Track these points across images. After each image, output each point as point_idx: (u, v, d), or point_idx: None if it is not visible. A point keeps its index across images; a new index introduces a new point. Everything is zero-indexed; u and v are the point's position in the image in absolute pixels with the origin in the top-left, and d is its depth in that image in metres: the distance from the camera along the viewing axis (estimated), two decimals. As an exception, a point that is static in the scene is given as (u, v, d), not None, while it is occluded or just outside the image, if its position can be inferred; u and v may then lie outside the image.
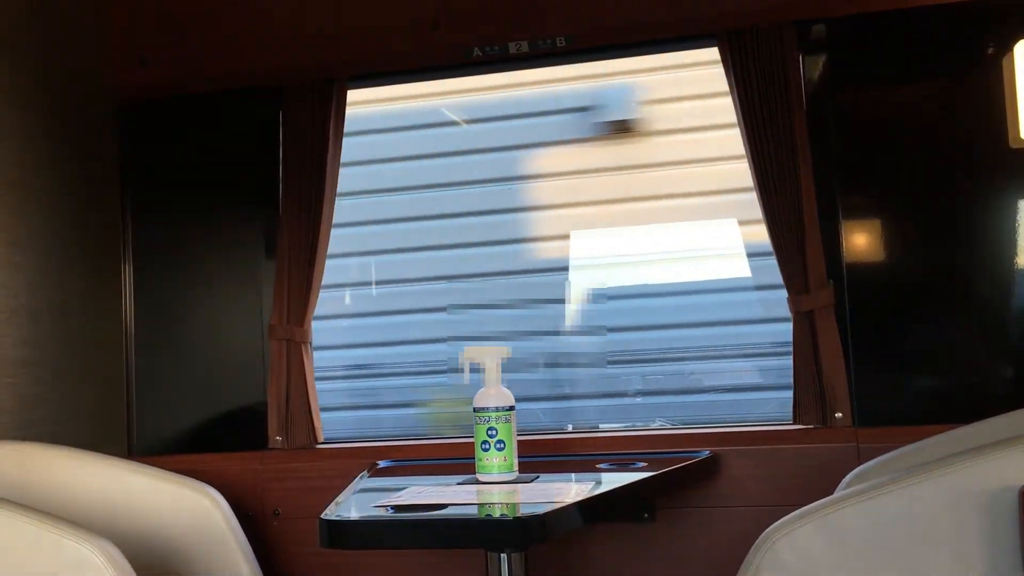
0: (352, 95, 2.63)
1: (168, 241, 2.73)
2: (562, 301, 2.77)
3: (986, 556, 1.45)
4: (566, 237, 2.77)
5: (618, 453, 2.36)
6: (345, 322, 2.88)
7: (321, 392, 2.62)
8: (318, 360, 2.66)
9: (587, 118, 2.78)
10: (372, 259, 2.90)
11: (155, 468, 2.22)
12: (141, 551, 2.05)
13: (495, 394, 2.00)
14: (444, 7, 2.55)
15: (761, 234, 2.40)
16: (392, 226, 2.88)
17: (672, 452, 2.31)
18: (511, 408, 1.99)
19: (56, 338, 2.45)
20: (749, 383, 2.58)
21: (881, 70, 2.38)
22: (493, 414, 1.97)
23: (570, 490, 1.85)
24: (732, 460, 2.32)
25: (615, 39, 2.49)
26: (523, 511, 1.76)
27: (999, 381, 2.28)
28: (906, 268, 2.35)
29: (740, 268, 2.65)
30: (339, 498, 1.97)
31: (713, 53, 2.43)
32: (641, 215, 2.74)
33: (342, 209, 2.65)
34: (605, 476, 2.15)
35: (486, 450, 1.97)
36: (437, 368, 2.80)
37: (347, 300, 2.89)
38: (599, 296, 2.76)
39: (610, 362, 2.70)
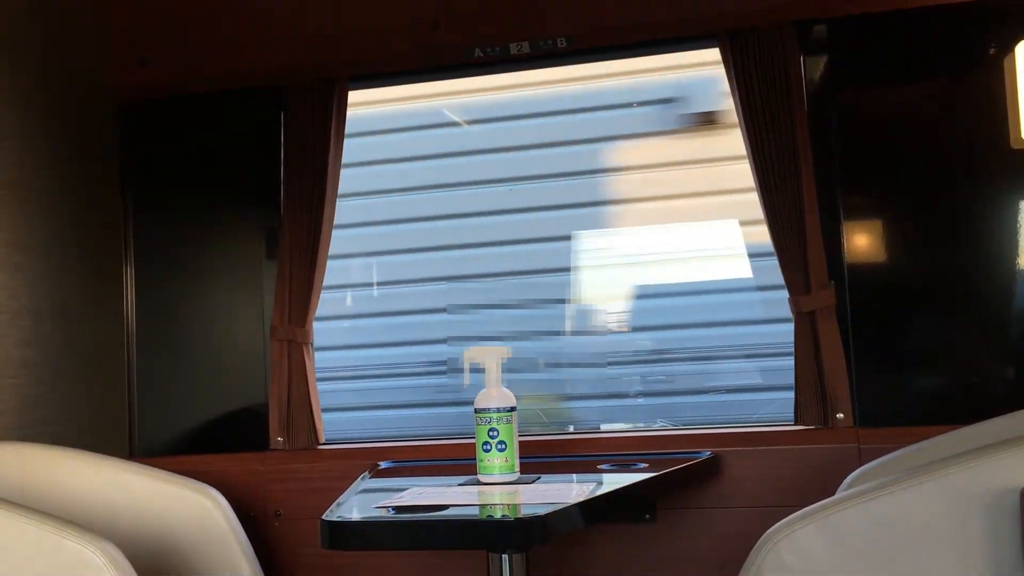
0: (353, 96, 2.63)
1: (169, 242, 2.73)
2: (563, 302, 2.76)
3: (988, 557, 1.45)
4: (567, 238, 2.76)
5: (619, 454, 2.37)
6: (346, 323, 2.88)
7: (322, 393, 2.62)
8: (319, 361, 2.66)
9: (587, 118, 2.78)
10: (373, 260, 2.90)
11: (156, 469, 2.22)
12: (142, 552, 2.06)
13: (496, 395, 1.99)
14: (444, 7, 2.55)
15: (762, 234, 2.40)
16: (392, 227, 2.88)
17: (673, 453, 2.31)
18: (512, 409, 1.99)
19: (57, 339, 2.45)
20: (750, 384, 2.58)
21: (882, 70, 2.38)
22: (494, 415, 1.97)
23: (571, 491, 1.85)
24: (733, 461, 2.32)
25: (615, 40, 2.50)
26: (524, 512, 1.76)
27: (1000, 381, 2.28)
28: (907, 269, 2.35)
29: (741, 269, 2.65)
30: (340, 499, 1.97)
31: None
32: (642, 216, 2.74)
33: (343, 210, 2.66)
34: (606, 477, 2.15)
35: (487, 451, 1.97)
36: (438, 369, 2.80)
37: (348, 301, 2.89)
38: (599, 297, 2.76)
39: (611, 363, 2.70)
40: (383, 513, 1.77)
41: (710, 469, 2.31)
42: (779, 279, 2.35)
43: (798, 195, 2.32)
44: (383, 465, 2.47)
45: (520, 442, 2.01)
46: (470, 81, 2.77)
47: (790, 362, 2.34)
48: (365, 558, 2.46)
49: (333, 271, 2.67)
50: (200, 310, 2.71)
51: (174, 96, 2.72)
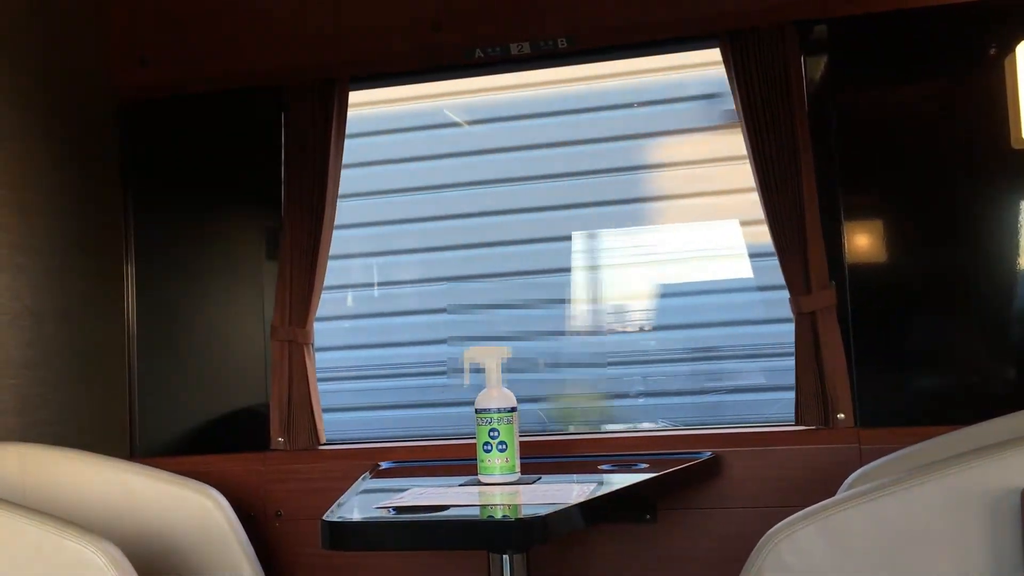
0: (354, 96, 2.63)
1: (170, 242, 2.73)
2: (564, 302, 2.76)
3: (988, 558, 1.45)
4: (568, 238, 2.77)
5: (620, 454, 2.37)
6: (347, 323, 2.88)
7: (323, 393, 2.62)
8: (320, 361, 2.66)
9: (587, 119, 2.78)
10: (374, 260, 2.90)
11: (157, 469, 2.22)
12: (143, 552, 2.06)
13: (497, 395, 1.99)
14: (445, 8, 2.55)
15: (763, 234, 2.40)
16: (392, 227, 2.88)
17: (674, 453, 2.31)
18: (513, 409, 1.99)
19: (58, 340, 2.45)
20: (751, 384, 2.58)
21: (883, 71, 2.38)
22: (495, 415, 1.97)
23: (572, 491, 1.85)
24: (734, 461, 2.32)
25: (616, 40, 2.49)
26: (525, 512, 1.76)
27: (1001, 382, 2.28)
28: (908, 269, 2.35)
29: (742, 269, 2.65)
30: (341, 499, 1.97)
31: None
32: (642, 216, 2.74)
33: (344, 210, 2.66)
34: (607, 477, 2.15)
35: (488, 451, 1.97)
36: (439, 369, 2.81)
37: (349, 301, 2.89)
38: (600, 297, 2.76)
39: (611, 363, 2.70)
40: (384, 513, 1.77)
41: (711, 469, 2.31)
42: (780, 279, 2.35)
43: (798, 195, 2.32)
44: (384, 465, 2.47)
45: (521, 442, 2.01)
46: (471, 81, 2.77)
47: (791, 362, 2.34)
48: (366, 558, 2.46)
49: (334, 271, 2.67)
50: (201, 311, 2.71)
51: (174, 96, 2.72)
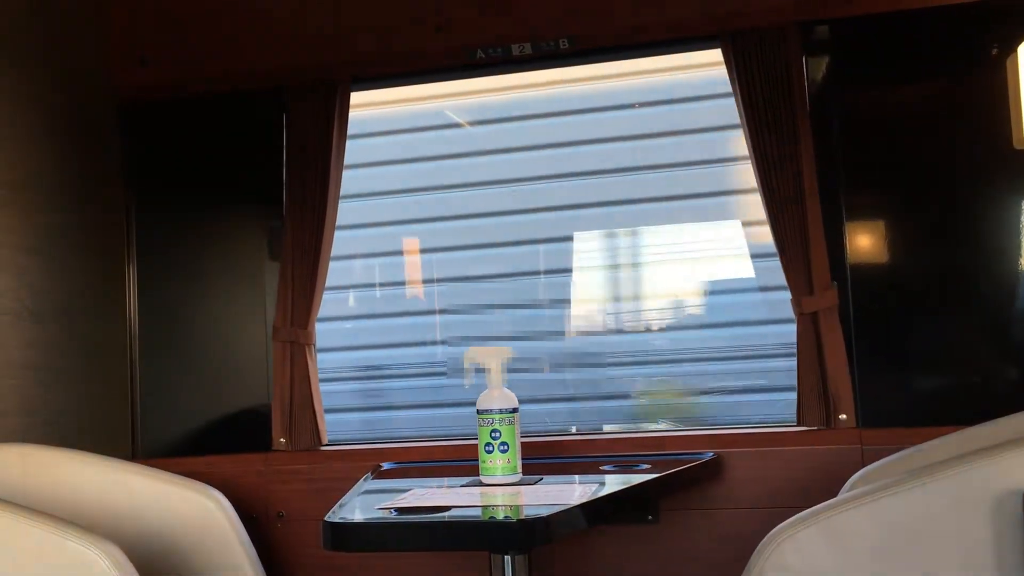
0: (355, 97, 2.63)
1: (171, 243, 2.73)
2: (565, 302, 2.76)
3: (991, 558, 1.45)
4: (569, 239, 2.76)
5: (622, 455, 2.37)
6: (349, 323, 2.88)
7: (325, 394, 2.62)
8: (321, 361, 2.66)
9: (588, 119, 2.78)
10: (375, 261, 2.90)
11: (159, 470, 2.22)
12: (145, 553, 2.05)
13: (499, 396, 1.99)
14: (447, 8, 2.55)
15: (764, 235, 2.40)
16: (394, 228, 2.88)
17: (675, 454, 2.31)
18: (515, 410, 1.99)
19: (60, 340, 2.45)
20: (753, 384, 2.57)
21: (884, 71, 2.37)
22: (497, 416, 1.97)
23: (574, 492, 1.85)
24: (736, 462, 2.32)
25: (617, 41, 2.49)
26: (527, 513, 1.76)
27: (1003, 382, 2.28)
28: (910, 269, 2.35)
29: (743, 269, 2.65)
30: (343, 500, 1.97)
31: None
32: (643, 216, 2.74)
33: (345, 211, 2.65)
34: (609, 478, 2.15)
35: (490, 452, 1.97)
36: (440, 370, 2.80)
37: (351, 302, 2.88)
38: (601, 297, 2.76)
39: (612, 363, 2.70)
40: (385, 514, 1.77)
41: (712, 470, 2.31)
42: (781, 280, 2.35)
43: (800, 195, 2.31)
44: (385, 466, 2.47)
45: (522, 443, 2.01)
46: (472, 82, 2.76)
47: (792, 363, 2.34)
48: (367, 559, 2.46)
49: (335, 272, 2.67)
50: (202, 311, 2.71)
51: (174, 97, 2.72)
